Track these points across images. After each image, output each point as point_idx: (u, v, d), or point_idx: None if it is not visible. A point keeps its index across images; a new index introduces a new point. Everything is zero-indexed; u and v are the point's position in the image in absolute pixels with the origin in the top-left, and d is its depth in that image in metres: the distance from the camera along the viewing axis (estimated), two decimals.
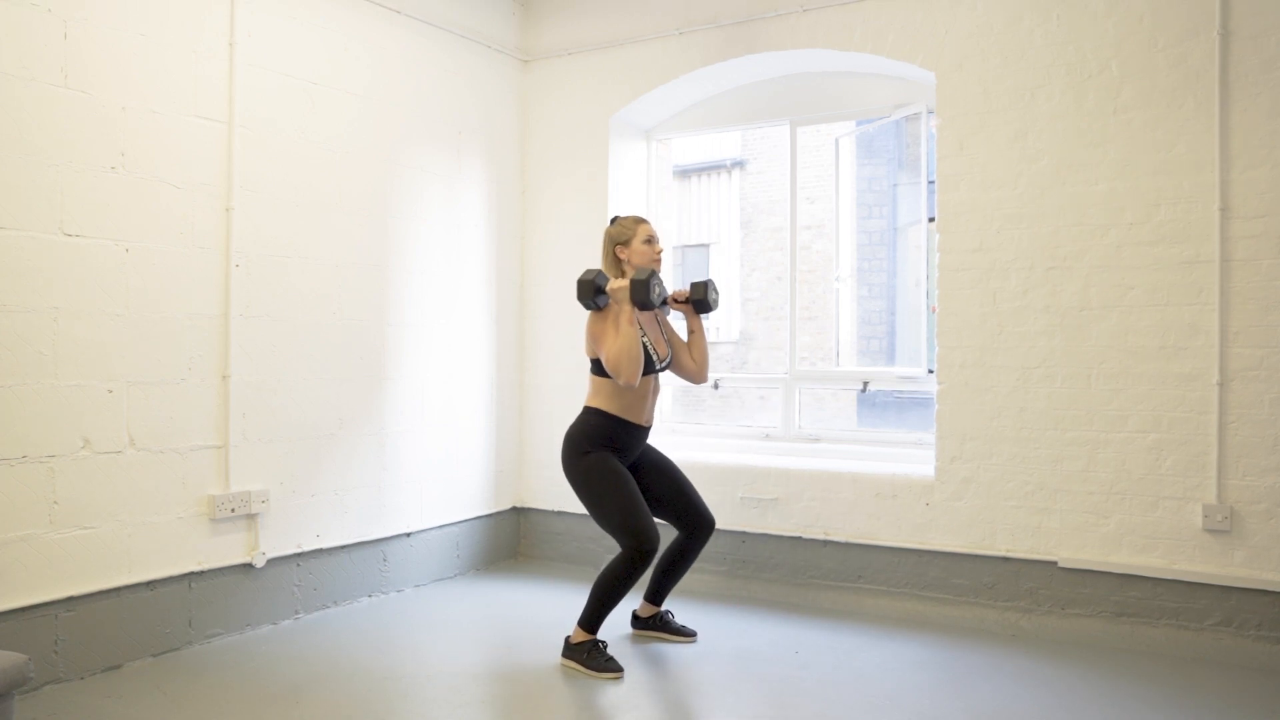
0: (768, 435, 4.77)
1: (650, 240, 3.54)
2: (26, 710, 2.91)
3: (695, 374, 3.71)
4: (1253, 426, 3.49)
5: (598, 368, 3.48)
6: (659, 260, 3.57)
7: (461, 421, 4.74)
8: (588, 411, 3.52)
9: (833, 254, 5.16)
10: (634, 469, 3.58)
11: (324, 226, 4.03)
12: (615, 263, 3.55)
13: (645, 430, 3.57)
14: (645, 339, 3.48)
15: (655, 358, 3.52)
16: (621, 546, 3.38)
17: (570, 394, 4.86)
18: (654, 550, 3.35)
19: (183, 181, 3.50)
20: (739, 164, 13.12)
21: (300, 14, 3.91)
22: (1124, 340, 3.69)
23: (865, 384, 4.63)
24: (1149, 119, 3.65)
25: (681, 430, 5.00)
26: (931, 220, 4.27)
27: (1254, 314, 3.49)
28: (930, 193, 4.38)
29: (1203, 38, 3.56)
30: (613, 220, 3.62)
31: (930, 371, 4.33)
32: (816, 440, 4.63)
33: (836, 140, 5.15)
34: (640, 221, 3.57)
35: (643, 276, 3.36)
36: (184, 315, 3.52)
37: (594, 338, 3.43)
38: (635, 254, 3.52)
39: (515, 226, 5.08)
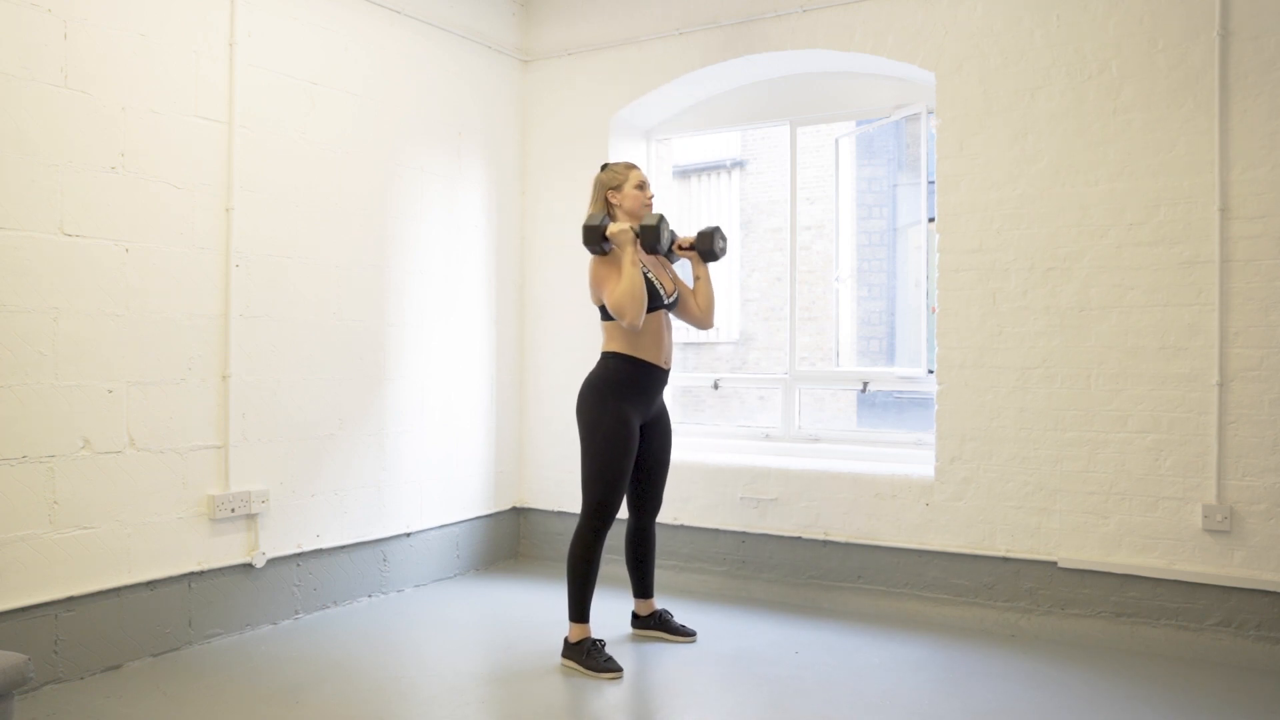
0: (768, 435, 4.77)
1: (642, 186, 3.57)
2: (26, 710, 2.91)
3: (700, 319, 3.73)
4: (1252, 427, 3.49)
5: (607, 313, 3.48)
6: (650, 205, 3.59)
7: (461, 421, 4.74)
8: (606, 357, 3.51)
9: (833, 254, 5.16)
10: (644, 429, 3.58)
11: (324, 227, 4.03)
12: (606, 207, 3.58)
13: (665, 373, 3.57)
14: (649, 273, 3.49)
15: (662, 292, 3.52)
16: (583, 507, 3.45)
17: (570, 394, 4.86)
18: (608, 522, 3.42)
19: (183, 181, 3.50)
20: (739, 164, 13.12)
21: (300, 14, 3.91)
22: (1124, 340, 3.69)
23: (865, 384, 4.63)
24: (1149, 119, 3.65)
25: (681, 430, 5.00)
26: (931, 220, 4.27)
27: (1254, 314, 3.49)
28: (930, 193, 4.38)
29: (1203, 38, 3.56)
30: (603, 167, 3.64)
31: (930, 372, 4.33)
32: (816, 440, 4.63)
33: (836, 140, 5.15)
34: (631, 167, 3.60)
35: (652, 221, 3.43)
36: (184, 315, 3.52)
37: (597, 282, 3.46)
38: (627, 199, 3.55)
39: (515, 226, 5.08)
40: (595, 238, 3.45)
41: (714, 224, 3.72)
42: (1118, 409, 3.70)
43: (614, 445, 3.42)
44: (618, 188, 3.55)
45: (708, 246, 3.66)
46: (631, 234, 3.43)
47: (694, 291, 3.73)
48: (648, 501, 3.70)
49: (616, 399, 3.45)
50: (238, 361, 3.69)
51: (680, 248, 3.70)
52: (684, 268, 3.86)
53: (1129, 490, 3.68)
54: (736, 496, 4.46)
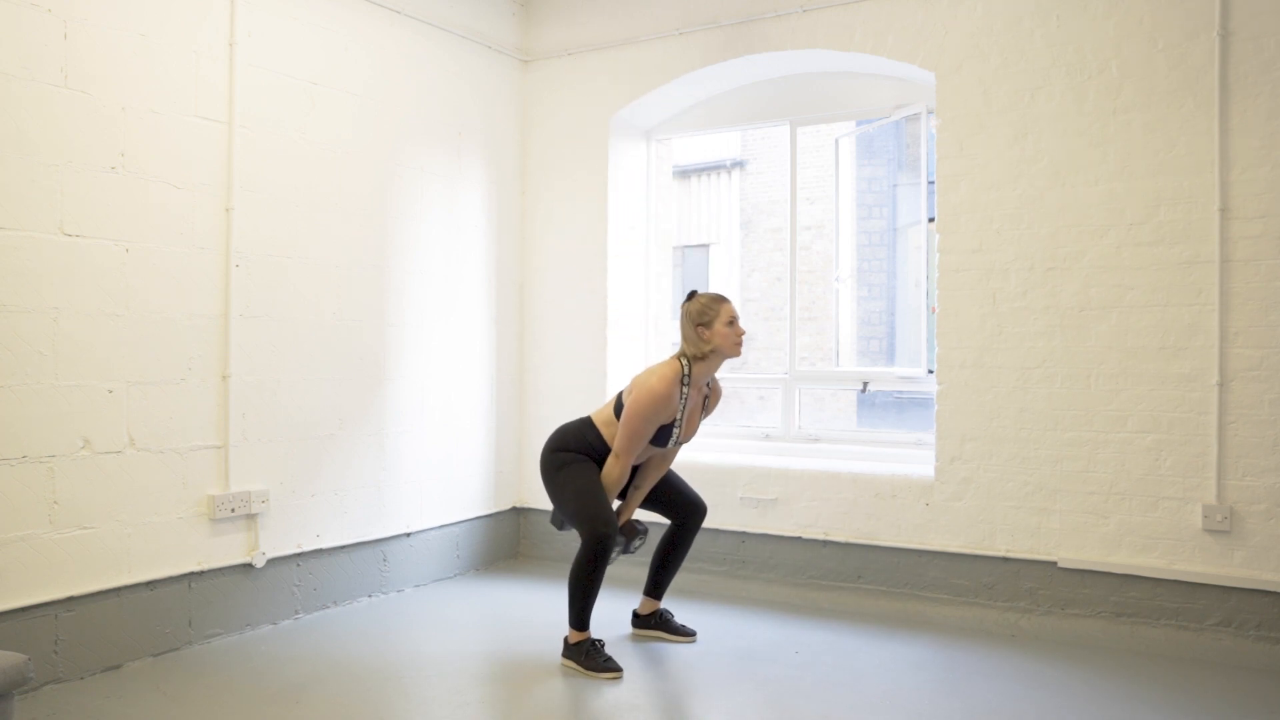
0: (768, 435, 4.77)
1: (733, 322, 3.40)
2: (26, 710, 2.91)
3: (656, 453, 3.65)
4: (1253, 426, 3.49)
5: (620, 405, 3.45)
6: (740, 342, 3.43)
7: (461, 421, 4.74)
8: (588, 424, 3.52)
9: (833, 254, 5.16)
10: None
11: (324, 227, 4.03)
12: (698, 340, 3.41)
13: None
14: (678, 418, 3.43)
15: (675, 435, 3.47)
16: (580, 534, 3.39)
17: (570, 394, 4.87)
18: (610, 535, 3.33)
19: (183, 181, 3.50)
20: (739, 164, 13.12)
21: (300, 14, 3.91)
22: (1124, 340, 3.69)
23: (865, 384, 4.63)
24: (1149, 119, 3.65)
25: None
26: (931, 221, 4.27)
27: (1254, 314, 3.49)
28: (930, 193, 4.38)
29: (1203, 38, 3.56)
30: (690, 296, 3.47)
31: (930, 372, 4.34)
32: (816, 440, 4.63)
33: (836, 140, 5.15)
34: (722, 301, 3.42)
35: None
36: (184, 315, 3.52)
37: (632, 413, 3.35)
38: (718, 336, 3.38)
39: (515, 226, 5.08)
40: (629, 536, 3.55)
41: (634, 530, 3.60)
42: (1118, 409, 3.70)
43: (572, 472, 3.43)
44: (708, 324, 3.39)
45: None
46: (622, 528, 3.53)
47: (652, 470, 3.63)
48: (681, 507, 3.68)
49: (574, 452, 3.48)
50: (238, 361, 3.68)
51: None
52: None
53: (1129, 490, 3.68)
54: (736, 496, 4.46)
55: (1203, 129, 3.56)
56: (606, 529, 3.34)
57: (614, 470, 3.41)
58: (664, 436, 3.45)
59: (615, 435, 3.44)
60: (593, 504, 3.38)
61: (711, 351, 3.40)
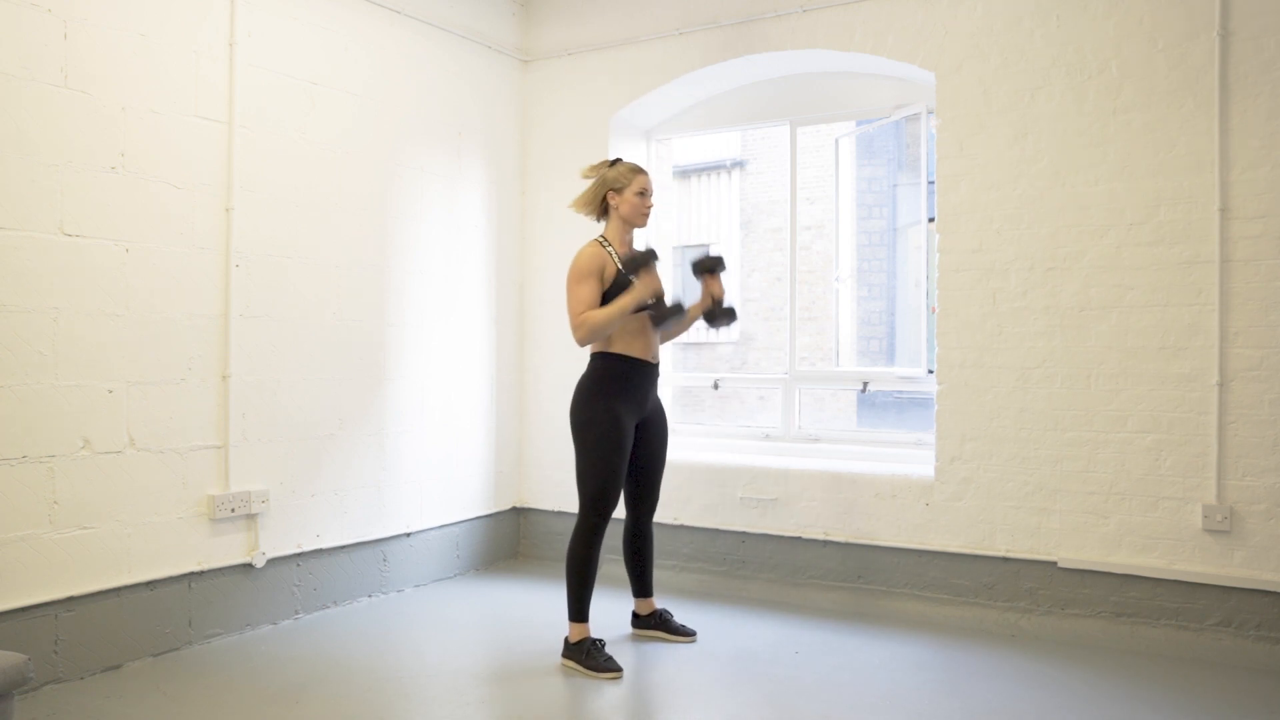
0: (768, 435, 4.77)
1: (644, 193, 3.51)
2: (26, 710, 2.91)
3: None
4: (1253, 426, 3.49)
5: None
6: (646, 215, 3.54)
7: (461, 421, 4.74)
8: (595, 358, 3.50)
9: (833, 254, 5.16)
10: (640, 427, 3.56)
11: (324, 227, 4.03)
12: (600, 204, 3.53)
13: (654, 367, 3.54)
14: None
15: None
16: (579, 506, 3.44)
17: (570, 394, 4.86)
18: (605, 519, 3.42)
19: (183, 181, 3.50)
20: (739, 164, 13.12)
21: (300, 14, 3.91)
22: (1124, 340, 3.69)
23: (865, 384, 4.63)
24: (1149, 119, 3.65)
25: (681, 430, 5.00)
26: (931, 220, 4.27)
27: (1254, 314, 3.49)
28: (930, 193, 4.38)
29: (1203, 38, 3.56)
30: (614, 161, 3.56)
31: (930, 372, 4.34)
32: (816, 440, 4.63)
33: (836, 140, 5.16)
34: (638, 172, 3.52)
35: (673, 312, 3.43)
36: (184, 315, 3.52)
37: (571, 283, 3.40)
38: (625, 204, 3.49)
39: (515, 226, 5.08)
40: (638, 264, 3.37)
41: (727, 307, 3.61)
42: (1118, 409, 3.70)
43: (606, 442, 3.41)
44: (619, 190, 3.50)
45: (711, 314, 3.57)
46: (650, 294, 3.38)
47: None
48: (644, 500, 3.69)
49: (607, 398, 3.44)
50: (238, 361, 3.69)
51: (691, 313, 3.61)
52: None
53: (1129, 490, 3.68)
54: (736, 496, 4.46)
55: (1203, 129, 3.56)
56: (599, 516, 3.40)
57: (578, 326, 3.36)
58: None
59: (609, 336, 3.43)
60: (598, 481, 3.41)
61: (617, 217, 3.51)
